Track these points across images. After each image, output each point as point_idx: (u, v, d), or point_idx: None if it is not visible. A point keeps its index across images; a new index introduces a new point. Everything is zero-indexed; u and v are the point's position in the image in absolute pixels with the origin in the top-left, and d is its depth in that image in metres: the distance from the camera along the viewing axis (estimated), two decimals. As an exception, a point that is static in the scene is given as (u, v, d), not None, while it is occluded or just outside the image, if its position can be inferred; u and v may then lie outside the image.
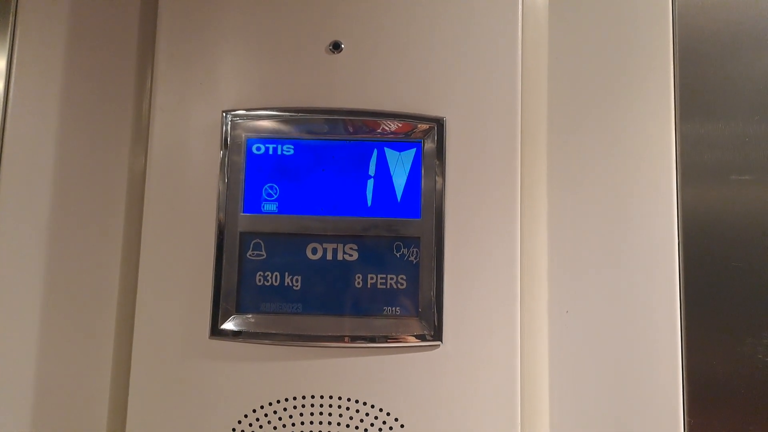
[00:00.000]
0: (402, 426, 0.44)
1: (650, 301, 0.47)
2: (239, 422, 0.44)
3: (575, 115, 0.50)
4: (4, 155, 0.48)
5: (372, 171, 0.46)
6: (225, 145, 0.46)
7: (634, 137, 0.49)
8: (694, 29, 0.50)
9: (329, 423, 0.44)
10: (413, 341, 0.44)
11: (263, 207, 0.46)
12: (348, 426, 0.44)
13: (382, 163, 0.46)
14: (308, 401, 0.44)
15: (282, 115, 0.46)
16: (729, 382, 0.47)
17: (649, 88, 0.49)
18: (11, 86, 0.48)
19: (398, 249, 0.45)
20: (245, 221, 0.45)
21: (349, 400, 0.44)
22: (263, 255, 0.45)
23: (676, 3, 0.49)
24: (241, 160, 0.46)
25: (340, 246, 0.45)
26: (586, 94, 0.50)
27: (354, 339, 0.44)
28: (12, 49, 0.49)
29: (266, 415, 0.44)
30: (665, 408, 0.46)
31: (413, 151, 0.46)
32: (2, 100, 0.48)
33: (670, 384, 0.46)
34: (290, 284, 0.45)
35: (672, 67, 0.49)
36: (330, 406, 0.44)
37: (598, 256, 0.48)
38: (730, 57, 0.50)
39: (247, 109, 0.46)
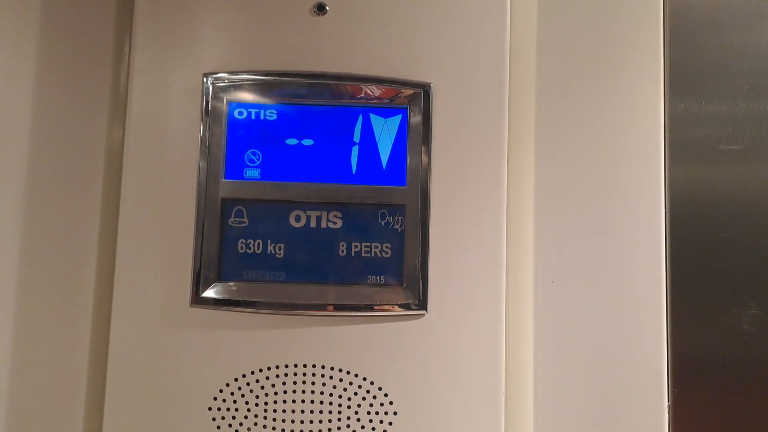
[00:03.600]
0: (386, 395, 0.44)
1: (636, 271, 0.46)
2: (221, 391, 0.43)
3: (563, 86, 0.49)
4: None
5: (357, 137, 0.45)
6: (206, 109, 0.44)
7: (623, 107, 0.48)
8: (685, 1, 0.49)
9: (312, 392, 0.44)
10: (398, 310, 0.44)
11: (245, 173, 0.45)
12: (332, 395, 0.44)
13: (368, 129, 0.45)
14: (291, 370, 0.43)
15: (265, 79, 0.45)
16: (714, 352, 0.47)
17: (639, 60, 0.48)
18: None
19: (383, 217, 0.45)
20: (227, 187, 0.44)
21: (332, 369, 0.44)
22: (245, 222, 0.44)
23: (667, -27, 0.49)
24: (222, 124, 0.45)
25: (324, 213, 0.45)
26: (575, 65, 0.49)
27: (338, 307, 0.44)
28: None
29: (248, 384, 0.43)
30: (650, 378, 0.46)
31: (399, 117, 0.45)
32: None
33: (655, 354, 0.46)
34: (273, 252, 0.44)
35: (662, 39, 0.49)
36: (313, 375, 0.44)
37: (584, 227, 0.47)
38: (720, 29, 0.49)
39: (228, 72, 0.45)
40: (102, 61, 0.47)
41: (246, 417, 0.43)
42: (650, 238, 0.47)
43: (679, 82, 0.49)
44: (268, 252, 0.44)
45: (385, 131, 0.45)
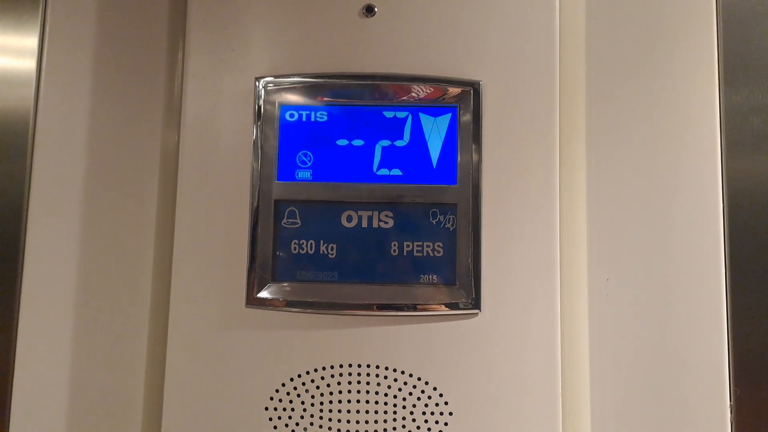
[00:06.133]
0: (441, 395, 0.44)
1: (694, 266, 0.45)
2: (277, 391, 0.44)
3: (614, 80, 0.48)
4: (37, 131, 0.48)
5: (407, 137, 0.45)
6: (258, 112, 0.45)
7: (677, 100, 0.47)
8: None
9: (367, 392, 0.44)
10: (451, 310, 0.44)
11: (297, 174, 0.45)
12: (386, 395, 0.44)
13: (417, 128, 0.45)
14: (345, 369, 0.44)
15: (315, 81, 0.45)
16: (777, 350, 0.45)
17: (692, 52, 0.47)
18: (43, 63, 0.48)
19: (434, 216, 0.45)
20: (279, 189, 0.45)
21: (386, 368, 0.44)
22: (298, 223, 0.45)
23: (720, -39, 0.48)
24: (274, 127, 0.45)
25: (376, 213, 0.45)
26: (625, 58, 0.48)
27: (391, 307, 0.44)
28: (44, 25, 0.49)
29: (304, 383, 0.44)
30: (710, 377, 0.45)
31: (449, 116, 0.45)
32: (35, 77, 0.48)
33: (716, 352, 0.45)
34: (325, 252, 0.44)
35: (715, 28, 0.47)
36: (368, 375, 0.44)
37: (639, 222, 0.46)
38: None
39: (279, 76, 0.45)
40: (156, 68, 0.48)
41: (302, 417, 0.43)
42: (708, 232, 0.45)
43: (735, 73, 0.47)
44: (321, 252, 0.45)
45: (435, 130, 0.45)
